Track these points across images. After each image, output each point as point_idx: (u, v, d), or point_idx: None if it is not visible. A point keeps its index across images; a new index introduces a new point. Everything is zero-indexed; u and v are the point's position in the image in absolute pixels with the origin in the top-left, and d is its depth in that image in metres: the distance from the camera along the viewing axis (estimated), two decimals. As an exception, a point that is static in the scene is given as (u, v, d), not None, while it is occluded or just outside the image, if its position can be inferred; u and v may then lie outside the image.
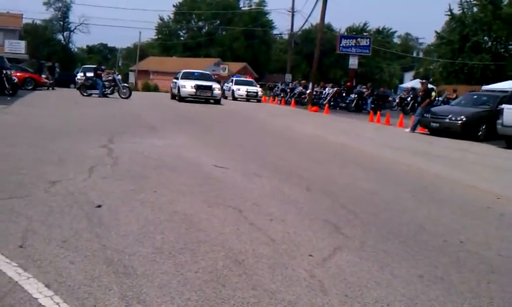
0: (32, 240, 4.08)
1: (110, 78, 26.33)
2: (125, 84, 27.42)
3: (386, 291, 3.66)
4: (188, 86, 26.96)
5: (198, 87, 26.83)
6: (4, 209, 4.87)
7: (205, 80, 28.41)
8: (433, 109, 19.25)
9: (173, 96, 29.69)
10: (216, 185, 6.70)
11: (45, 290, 3.23)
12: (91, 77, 27.28)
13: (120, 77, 27.41)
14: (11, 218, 4.62)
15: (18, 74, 27.00)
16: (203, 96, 27.04)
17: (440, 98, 30.84)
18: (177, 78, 29.16)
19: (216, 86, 27.93)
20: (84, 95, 25.56)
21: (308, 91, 33.54)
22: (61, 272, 3.52)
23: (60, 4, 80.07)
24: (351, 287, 3.66)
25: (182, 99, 27.04)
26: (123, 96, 25.78)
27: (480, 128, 17.42)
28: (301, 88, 36.23)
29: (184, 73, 29.54)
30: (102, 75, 26.31)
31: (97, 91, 25.63)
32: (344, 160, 10.40)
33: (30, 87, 29.20)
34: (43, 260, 3.70)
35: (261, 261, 4.01)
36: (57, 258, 3.76)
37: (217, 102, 27.78)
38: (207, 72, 32.47)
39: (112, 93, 26.04)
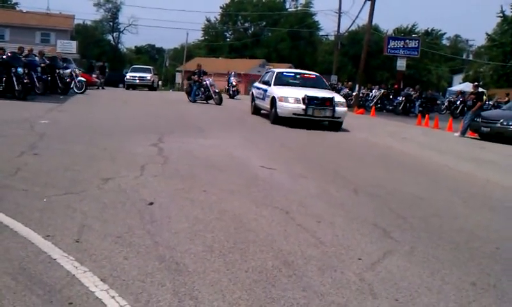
0: (88, 235, 4.22)
1: (204, 84, 24.23)
2: (217, 90, 24.31)
3: (437, 297, 3.62)
4: (291, 99, 15.47)
5: (309, 100, 15.26)
6: (60, 204, 5.05)
7: (317, 87, 16.97)
8: (484, 113, 18.77)
9: (256, 110, 19.27)
10: (263, 186, 6.74)
11: (101, 284, 3.33)
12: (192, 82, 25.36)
13: (210, 81, 24.40)
14: (67, 213, 4.79)
15: (70, 73, 27.81)
16: (317, 117, 15.46)
17: (490, 102, 30.11)
18: (267, 84, 17.87)
19: (338, 99, 16.16)
20: (190, 101, 24.03)
21: (354, 93, 33.28)
22: (116, 267, 3.63)
23: (110, 6, 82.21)
24: (401, 292, 3.64)
25: (279, 120, 15.78)
26: (216, 103, 23.44)
27: (534, 134, 16.90)
28: (347, 90, 35.97)
29: (279, 75, 18.18)
30: (196, 79, 24.42)
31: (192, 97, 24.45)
32: (391, 164, 10.27)
33: (81, 87, 30.05)
34: (98, 255, 3.82)
35: (310, 263, 4.02)
36: (112, 253, 3.88)
37: (339, 125, 16.09)
38: (315, 73, 19.93)
39: (206, 99, 24.19)
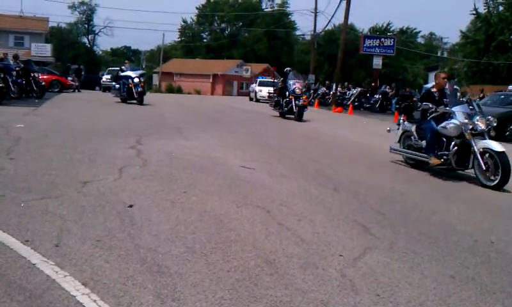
0: (67, 240, 4.17)
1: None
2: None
3: (417, 291, 3.66)
4: None
5: None
6: (38, 209, 4.98)
7: None
8: (460, 109, 19.01)
9: None
10: (244, 186, 6.74)
11: (82, 288, 3.30)
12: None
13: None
14: (45, 217, 4.72)
15: (45, 77, 27.45)
16: None
17: (464, 99, 30.51)
18: None
19: None
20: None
21: (332, 92, 33.47)
22: (97, 270, 3.59)
23: (85, 8, 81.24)
24: (382, 287, 3.67)
25: None
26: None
27: (508, 128, 17.19)
28: (324, 89, 36.16)
29: None
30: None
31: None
32: (370, 161, 10.35)
33: (56, 90, 29.73)
34: (78, 259, 3.78)
35: (292, 261, 4.03)
36: (92, 256, 3.84)
37: None
38: None
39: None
